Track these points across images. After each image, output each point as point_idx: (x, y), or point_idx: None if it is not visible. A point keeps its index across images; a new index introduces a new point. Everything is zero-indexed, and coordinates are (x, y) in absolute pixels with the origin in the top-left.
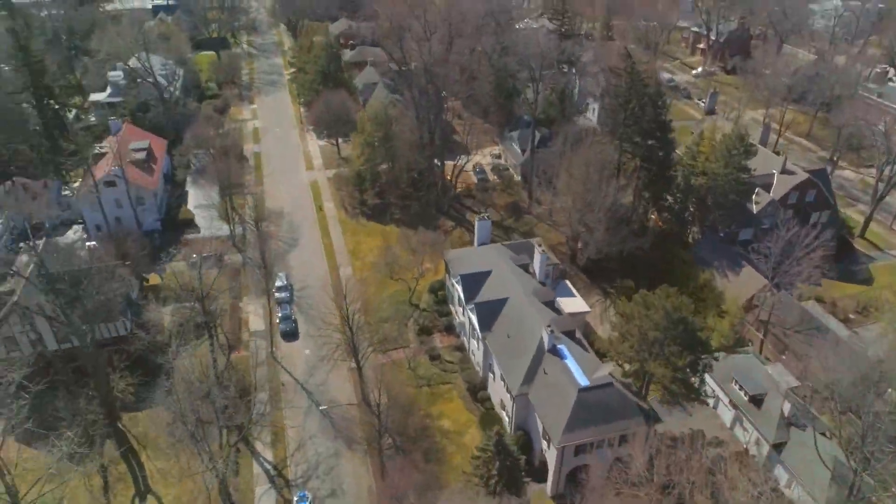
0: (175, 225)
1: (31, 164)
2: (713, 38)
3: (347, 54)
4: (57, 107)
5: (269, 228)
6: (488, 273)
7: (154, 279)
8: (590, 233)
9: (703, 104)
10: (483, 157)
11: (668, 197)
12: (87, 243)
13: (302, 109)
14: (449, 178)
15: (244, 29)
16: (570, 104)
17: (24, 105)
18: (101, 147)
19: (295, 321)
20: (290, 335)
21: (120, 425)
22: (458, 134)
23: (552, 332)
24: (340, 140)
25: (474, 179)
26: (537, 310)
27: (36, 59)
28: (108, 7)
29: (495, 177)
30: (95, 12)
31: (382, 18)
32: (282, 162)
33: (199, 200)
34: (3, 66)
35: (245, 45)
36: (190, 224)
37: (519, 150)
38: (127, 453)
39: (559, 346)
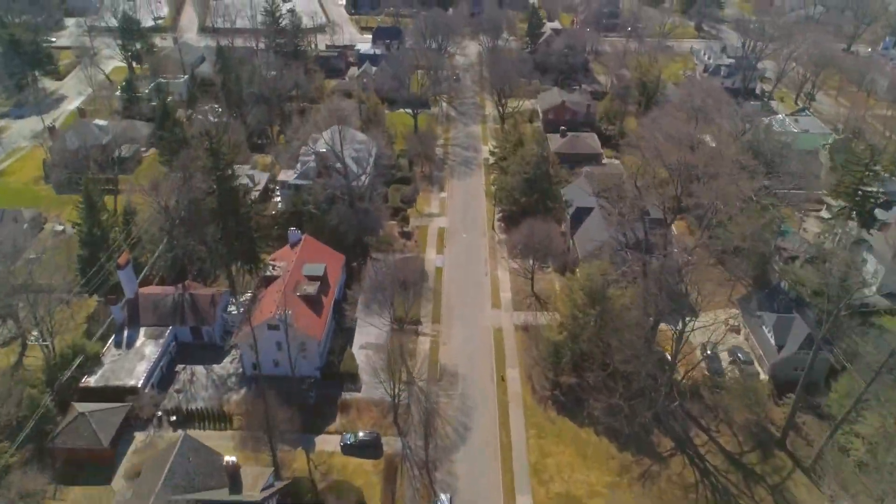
0: (335, 374)
1: (204, 266)
2: None
3: (556, 141)
4: (242, 212)
5: (438, 400)
6: None
7: (300, 464)
8: None
9: None
10: (714, 318)
11: None
12: (227, 458)
13: (496, 211)
14: (680, 375)
15: (447, 92)
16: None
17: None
18: (273, 267)
19: None
20: None
21: None
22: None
23: None
24: (536, 264)
25: (703, 368)
26: None
27: (224, 164)
28: (321, 48)
29: (732, 368)
30: (299, 75)
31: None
32: (464, 288)
33: (367, 336)
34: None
35: (444, 105)
36: (352, 378)
37: (773, 342)
38: None
39: None
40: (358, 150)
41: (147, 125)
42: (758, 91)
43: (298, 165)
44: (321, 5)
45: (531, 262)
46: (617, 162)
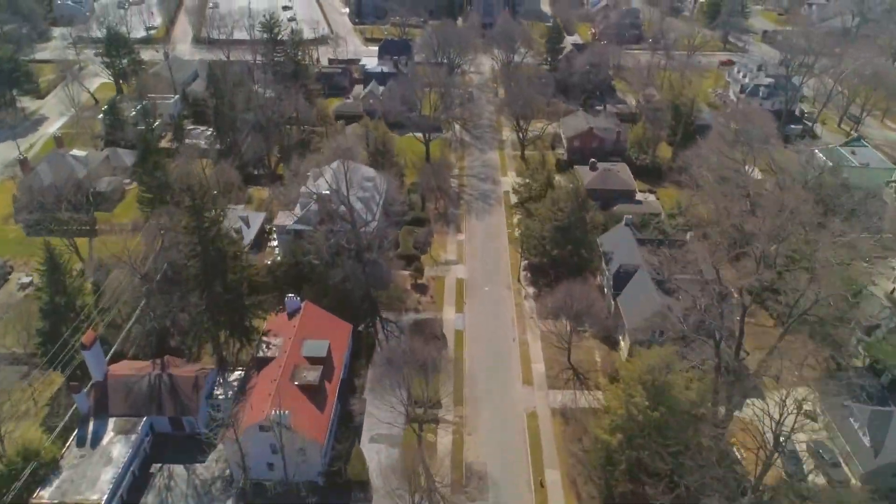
0: (341, 480)
1: (185, 340)
2: None
3: (586, 175)
4: (230, 279)
5: None
6: None
7: None
8: None
9: None
10: (783, 399)
11: None
12: None
13: (520, 258)
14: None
15: (461, 117)
16: None
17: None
18: (267, 346)
19: None
20: None
21: None
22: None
23: None
24: (572, 326)
25: (780, 470)
26: None
27: (207, 223)
28: (323, 64)
29: (817, 471)
30: (299, 100)
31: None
32: (490, 357)
33: (377, 425)
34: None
35: (458, 129)
36: (362, 486)
37: (867, 443)
38: None
39: None
40: (366, 188)
41: (132, 153)
42: (797, 113)
43: (298, 207)
44: (323, 14)
45: (566, 324)
46: (652, 198)
